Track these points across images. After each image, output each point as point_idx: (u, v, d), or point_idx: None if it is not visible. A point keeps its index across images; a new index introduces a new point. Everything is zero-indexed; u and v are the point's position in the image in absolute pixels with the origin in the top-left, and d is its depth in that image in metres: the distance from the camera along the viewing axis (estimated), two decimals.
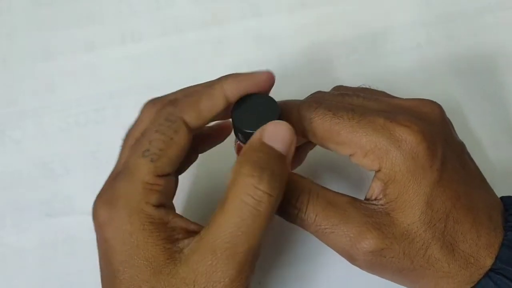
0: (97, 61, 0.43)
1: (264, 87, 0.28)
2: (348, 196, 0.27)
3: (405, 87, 0.41)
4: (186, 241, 0.25)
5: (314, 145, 0.32)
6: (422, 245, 0.25)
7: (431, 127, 0.26)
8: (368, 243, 0.25)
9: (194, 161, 0.34)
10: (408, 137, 0.25)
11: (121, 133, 0.28)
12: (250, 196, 0.23)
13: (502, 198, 0.29)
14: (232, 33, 0.44)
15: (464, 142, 0.29)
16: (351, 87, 0.33)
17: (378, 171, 0.26)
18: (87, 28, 0.44)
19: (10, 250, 0.36)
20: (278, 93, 0.40)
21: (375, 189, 0.26)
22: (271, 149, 0.25)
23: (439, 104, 0.29)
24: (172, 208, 0.27)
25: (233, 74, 0.28)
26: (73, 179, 0.38)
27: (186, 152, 0.27)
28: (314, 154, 0.26)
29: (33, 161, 0.39)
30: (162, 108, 0.27)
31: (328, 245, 0.27)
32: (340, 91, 0.31)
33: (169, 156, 0.26)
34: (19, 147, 0.39)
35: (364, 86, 0.33)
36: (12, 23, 0.45)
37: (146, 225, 0.24)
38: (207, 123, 0.28)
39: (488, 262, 0.25)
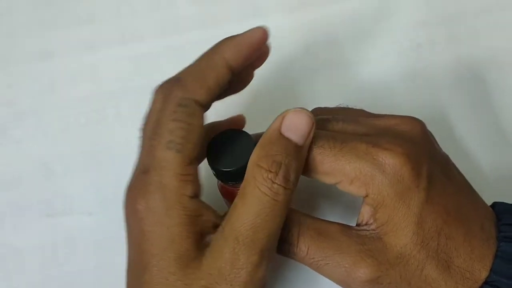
0: (97, 61, 0.43)
1: (260, 44, 0.28)
2: (338, 224, 0.27)
3: (405, 88, 0.41)
4: (212, 235, 0.25)
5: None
6: (418, 266, 0.25)
7: (414, 146, 0.26)
8: (364, 272, 0.25)
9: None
10: (391, 161, 0.25)
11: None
12: (268, 189, 0.24)
13: (494, 204, 0.28)
14: (232, 33, 0.43)
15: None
16: (329, 109, 0.33)
17: (366, 196, 0.26)
18: (87, 28, 0.44)
19: (10, 250, 0.36)
20: (279, 93, 0.40)
21: (365, 214, 0.26)
22: (288, 141, 0.25)
23: (419, 120, 0.28)
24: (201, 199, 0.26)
25: (228, 38, 0.28)
26: (73, 179, 0.38)
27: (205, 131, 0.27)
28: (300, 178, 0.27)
29: (33, 161, 0.39)
30: (170, 93, 0.26)
31: (323, 276, 0.26)
32: (318, 115, 0.30)
33: (193, 142, 0.25)
34: (19, 147, 0.39)
35: (342, 106, 0.32)
36: (12, 23, 0.45)
37: (183, 218, 0.24)
38: (217, 95, 0.27)
39: (483, 274, 0.25)
